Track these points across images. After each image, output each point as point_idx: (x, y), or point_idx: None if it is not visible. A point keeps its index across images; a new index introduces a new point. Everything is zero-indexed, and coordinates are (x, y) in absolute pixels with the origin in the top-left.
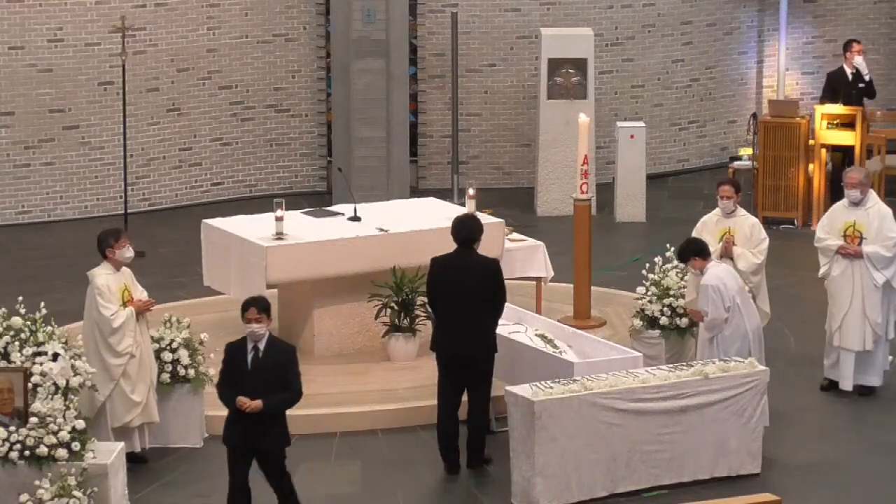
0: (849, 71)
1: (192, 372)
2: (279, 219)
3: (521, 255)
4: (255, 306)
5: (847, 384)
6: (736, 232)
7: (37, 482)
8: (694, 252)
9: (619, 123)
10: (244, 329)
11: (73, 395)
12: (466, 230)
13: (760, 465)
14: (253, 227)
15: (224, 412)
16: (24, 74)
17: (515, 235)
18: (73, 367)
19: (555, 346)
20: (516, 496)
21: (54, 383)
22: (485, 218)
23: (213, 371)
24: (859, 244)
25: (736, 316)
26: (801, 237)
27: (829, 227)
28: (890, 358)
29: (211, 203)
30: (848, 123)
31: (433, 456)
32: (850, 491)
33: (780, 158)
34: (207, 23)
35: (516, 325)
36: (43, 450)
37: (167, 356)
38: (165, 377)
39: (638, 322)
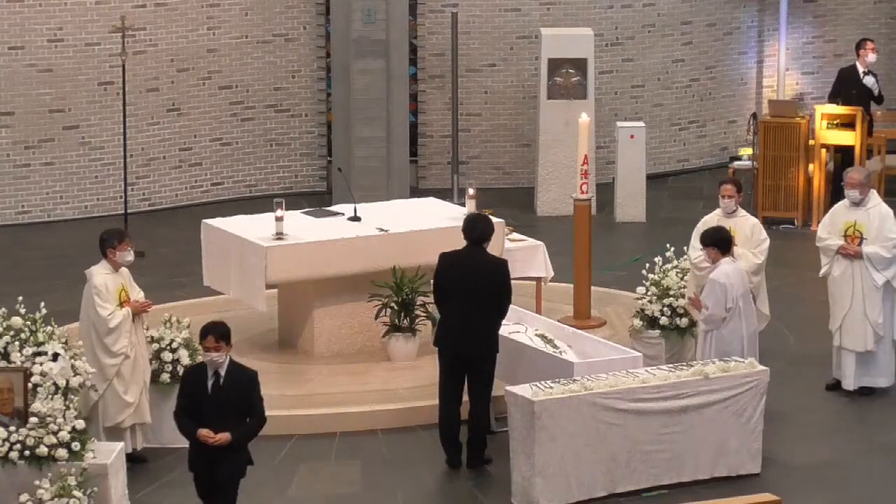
0: (861, 69)
1: None
2: (279, 219)
3: (521, 255)
4: (213, 334)
5: (849, 384)
6: (737, 232)
7: (37, 482)
8: (716, 242)
9: (619, 123)
10: (203, 357)
11: (73, 395)
12: (479, 230)
13: (760, 465)
14: (253, 227)
15: None
16: (24, 74)
17: (515, 235)
18: (73, 367)
19: (555, 346)
20: (516, 496)
21: (54, 383)
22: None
23: None
24: (860, 244)
25: (735, 318)
26: (801, 237)
27: (830, 227)
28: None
29: (211, 203)
30: (848, 123)
31: (433, 456)
32: (850, 491)
33: (780, 158)
34: (207, 23)
35: (516, 325)
36: (43, 450)
37: (167, 356)
38: (165, 377)
39: (638, 322)
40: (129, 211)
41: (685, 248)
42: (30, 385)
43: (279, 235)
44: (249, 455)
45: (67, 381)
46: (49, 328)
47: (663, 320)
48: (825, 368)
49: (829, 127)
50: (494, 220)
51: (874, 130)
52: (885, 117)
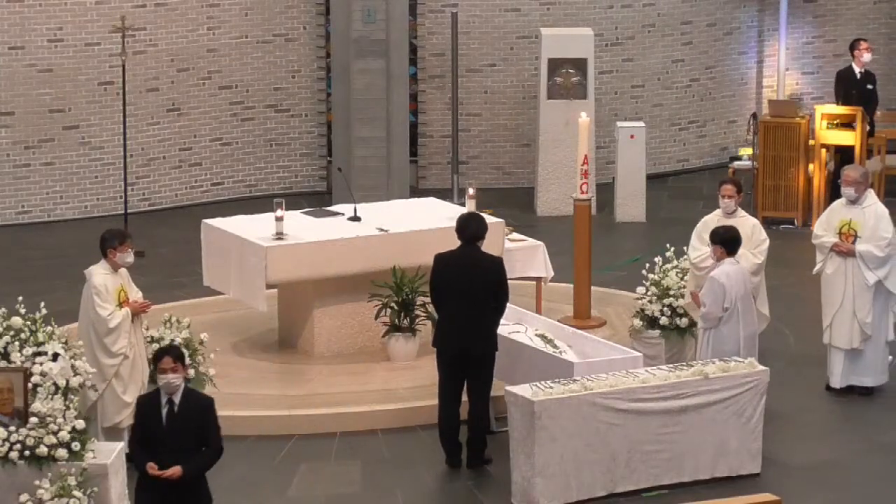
0: (857, 70)
1: (192, 372)
2: (279, 219)
3: (521, 255)
4: (170, 355)
5: (836, 381)
6: None
7: (37, 482)
8: (724, 241)
9: (619, 123)
10: (158, 382)
11: (72, 395)
12: (472, 228)
13: (760, 465)
14: (253, 227)
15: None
16: (24, 74)
17: (515, 235)
18: (73, 367)
19: (555, 346)
20: (516, 496)
21: (54, 383)
22: (485, 217)
23: (214, 371)
24: (853, 242)
25: (733, 319)
26: (801, 237)
27: (826, 225)
28: (890, 358)
29: (211, 203)
30: (848, 123)
31: (433, 456)
32: (849, 491)
33: (780, 158)
34: (207, 23)
35: (516, 325)
36: (43, 450)
37: None
38: None
39: (638, 322)
40: (129, 211)
41: (685, 248)
42: (30, 385)
43: (279, 235)
44: (208, 490)
45: (67, 381)
46: (49, 328)
47: (663, 320)
48: (825, 368)
49: (829, 127)
50: (494, 219)
51: (875, 132)
52: (885, 117)
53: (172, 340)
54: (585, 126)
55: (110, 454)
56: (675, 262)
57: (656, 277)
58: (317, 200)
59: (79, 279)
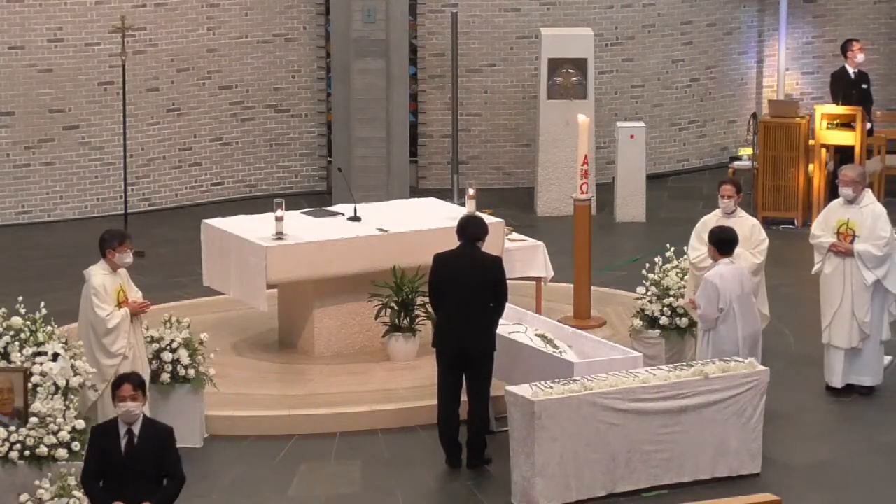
0: (851, 70)
1: (192, 372)
2: (279, 219)
3: (521, 255)
4: (130, 382)
5: (836, 381)
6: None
7: (37, 482)
8: (715, 242)
9: (619, 123)
10: (116, 411)
11: (72, 395)
12: (472, 228)
13: (760, 465)
14: (253, 227)
15: (227, 410)
16: (24, 74)
17: (515, 235)
18: (73, 367)
19: (555, 346)
20: (516, 496)
21: (54, 383)
22: (485, 218)
23: (213, 371)
24: (851, 242)
25: (730, 320)
26: (801, 237)
27: (824, 224)
28: (889, 358)
29: (211, 203)
30: (848, 123)
31: (433, 456)
32: (849, 491)
33: (780, 158)
34: (207, 23)
35: (516, 325)
36: (43, 450)
37: (167, 356)
38: (165, 377)
39: (638, 322)
40: (129, 211)
41: (685, 248)
42: (30, 385)
43: (279, 235)
44: None
45: (67, 381)
46: (49, 328)
47: (663, 320)
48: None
49: (828, 127)
50: (494, 219)
51: (874, 131)
52: (885, 117)
53: (172, 340)
54: (585, 126)
55: None
56: (675, 262)
57: (656, 277)
58: (317, 200)
59: (79, 279)
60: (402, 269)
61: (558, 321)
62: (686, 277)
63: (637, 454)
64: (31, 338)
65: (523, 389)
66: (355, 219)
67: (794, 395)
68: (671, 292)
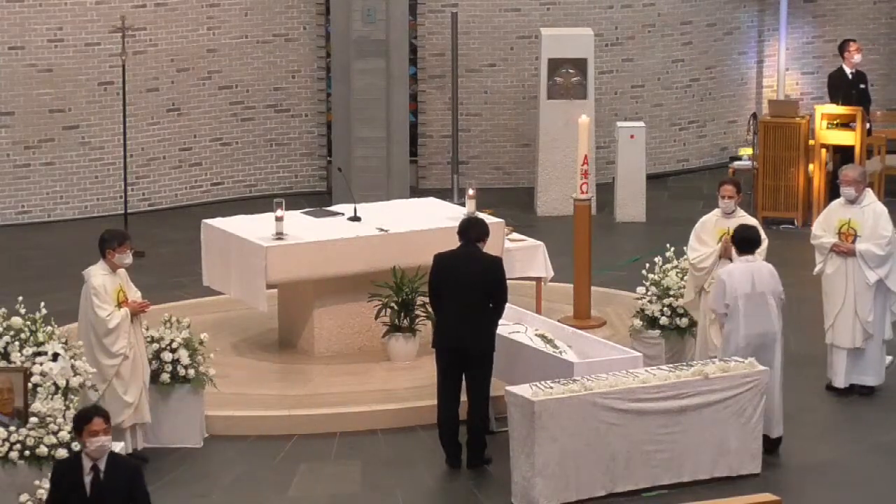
0: (848, 71)
1: (192, 372)
2: (279, 219)
3: (521, 255)
4: (100, 416)
5: (839, 381)
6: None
7: (37, 482)
8: (741, 241)
9: (619, 123)
10: (87, 446)
11: (73, 395)
12: (474, 228)
13: (760, 465)
14: (253, 227)
15: (227, 410)
16: (24, 74)
17: (515, 235)
18: (73, 367)
19: (555, 346)
20: (516, 496)
21: (54, 383)
22: (486, 218)
23: (213, 371)
24: (853, 242)
25: (734, 317)
26: (801, 237)
27: (825, 225)
28: (889, 358)
29: (211, 203)
30: (847, 123)
31: (433, 456)
32: (849, 491)
33: (780, 158)
34: (207, 23)
35: (516, 325)
36: (43, 450)
37: (167, 356)
38: (165, 377)
39: (638, 322)
40: (129, 211)
41: (685, 248)
42: (30, 385)
43: (279, 235)
44: None
45: (67, 381)
46: (49, 328)
47: (663, 320)
48: (825, 368)
49: (828, 127)
50: (494, 220)
51: (873, 131)
52: (885, 117)
53: (172, 340)
54: (585, 126)
55: None
56: (675, 262)
57: (656, 277)
58: (317, 200)
59: (79, 279)
60: (402, 269)
61: (558, 321)
62: (686, 277)
63: (637, 454)
64: (31, 338)
65: (523, 389)
66: (355, 219)
67: (795, 395)
68: (671, 292)
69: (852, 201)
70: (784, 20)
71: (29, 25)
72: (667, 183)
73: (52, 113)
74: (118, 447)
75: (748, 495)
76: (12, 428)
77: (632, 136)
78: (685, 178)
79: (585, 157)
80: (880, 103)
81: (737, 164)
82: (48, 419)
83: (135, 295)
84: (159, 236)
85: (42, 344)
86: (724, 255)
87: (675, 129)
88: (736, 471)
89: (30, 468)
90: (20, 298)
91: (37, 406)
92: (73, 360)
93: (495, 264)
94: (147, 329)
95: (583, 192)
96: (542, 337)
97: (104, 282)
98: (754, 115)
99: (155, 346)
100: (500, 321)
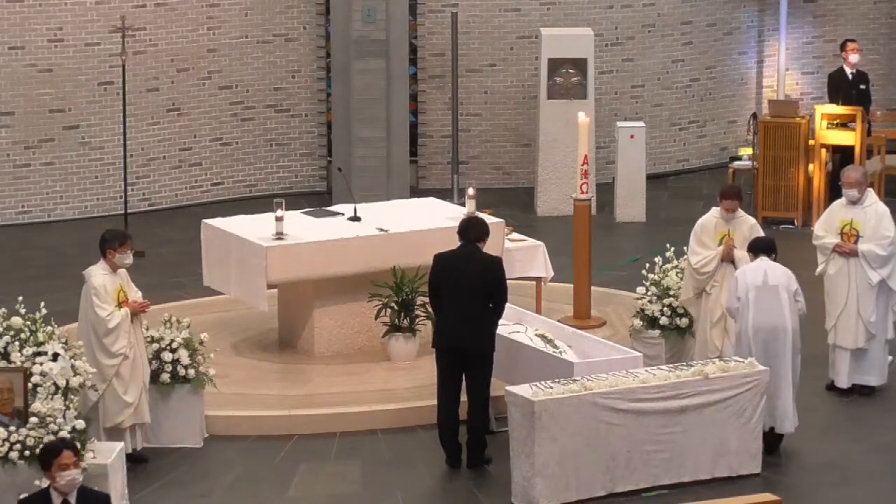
0: (849, 71)
1: (192, 372)
2: (279, 219)
3: (521, 255)
4: (68, 448)
5: (842, 381)
6: (735, 233)
7: (37, 482)
8: (755, 249)
9: (619, 123)
10: (56, 481)
11: (73, 395)
12: (474, 228)
13: (760, 465)
14: (253, 227)
15: (227, 410)
16: (24, 74)
17: (515, 235)
18: (73, 367)
19: (555, 346)
20: (516, 496)
21: (54, 383)
22: (486, 218)
23: (213, 371)
24: (856, 242)
25: (742, 308)
26: (801, 237)
27: (827, 225)
28: (890, 358)
29: (211, 203)
30: (848, 123)
31: (433, 456)
32: (850, 490)
33: (780, 158)
34: (207, 23)
35: (516, 325)
36: None
37: (167, 356)
38: (165, 377)
39: (638, 322)
40: (129, 211)
41: (685, 248)
42: (30, 385)
43: (279, 235)
44: None
45: (67, 381)
46: (49, 328)
47: (663, 320)
48: (825, 368)
49: (828, 127)
50: (494, 220)
51: (873, 131)
52: (884, 117)
53: (172, 340)
54: (585, 126)
55: (110, 454)
56: (675, 262)
57: (656, 277)
58: (317, 200)
59: (79, 279)
60: (402, 269)
61: (558, 321)
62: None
63: (637, 454)
64: (31, 338)
65: (523, 389)
66: (355, 219)
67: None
68: (671, 292)
69: (855, 202)
70: (784, 20)
71: (29, 25)
72: (667, 183)
73: (52, 113)
74: (117, 447)
75: (748, 495)
76: (12, 428)
77: (632, 136)
78: (685, 178)
79: (585, 157)
80: (880, 103)
81: (737, 164)
82: (48, 419)
83: (135, 295)
84: (159, 236)
85: (42, 344)
86: (726, 259)
87: (675, 129)
88: (736, 471)
89: (30, 468)
90: (20, 298)
91: (37, 406)
92: (73, 360)
93: (495, 264)
94: (147, 329)
95: (583, 192)
96: (542, 337)
97: (104, 282)
98: (754, 115)
99: (155, 346)
100: (500, 321)
